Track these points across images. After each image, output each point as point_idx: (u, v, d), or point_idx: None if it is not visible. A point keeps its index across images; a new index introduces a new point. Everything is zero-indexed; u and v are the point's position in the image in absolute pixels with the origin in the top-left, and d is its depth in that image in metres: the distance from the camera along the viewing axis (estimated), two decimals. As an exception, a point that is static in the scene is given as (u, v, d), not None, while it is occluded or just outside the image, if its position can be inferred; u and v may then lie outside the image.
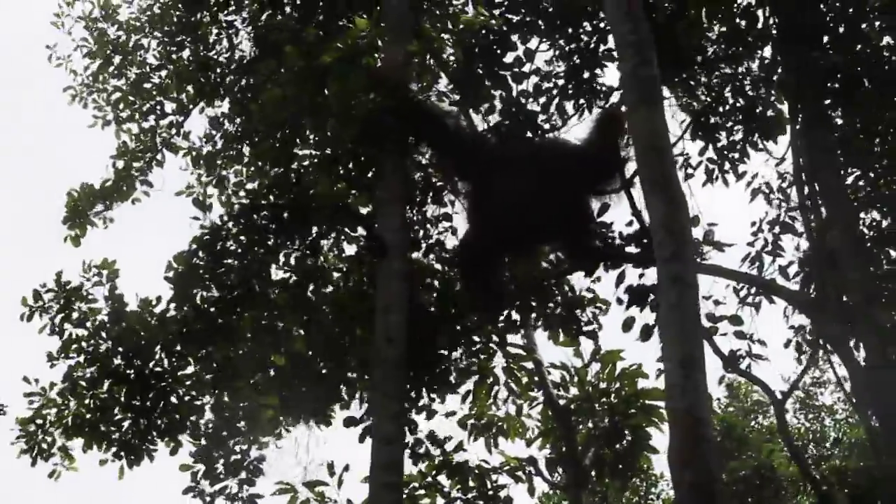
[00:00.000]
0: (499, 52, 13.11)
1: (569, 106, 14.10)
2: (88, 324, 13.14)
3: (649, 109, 7.44)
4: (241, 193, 14.30)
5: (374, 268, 10.82)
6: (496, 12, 13.38)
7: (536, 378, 13.85)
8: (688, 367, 6.82)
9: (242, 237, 12.28)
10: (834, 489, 14.35)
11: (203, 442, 13.47)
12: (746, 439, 23.60)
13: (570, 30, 13.90)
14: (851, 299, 12.30)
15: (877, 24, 13.73)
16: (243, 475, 13.65)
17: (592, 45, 14.01)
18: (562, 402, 13.97)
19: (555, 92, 13.91)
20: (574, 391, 13.89)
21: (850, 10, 13.52)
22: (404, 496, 12.51)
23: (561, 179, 9.80)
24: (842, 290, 12.66)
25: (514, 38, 13.46)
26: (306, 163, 12.51)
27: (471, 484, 13.16)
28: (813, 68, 13.09)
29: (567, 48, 13.95)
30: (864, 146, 13.62)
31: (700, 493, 6.55)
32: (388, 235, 10.51)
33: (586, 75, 13.93)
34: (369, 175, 11.64)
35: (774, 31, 13.66)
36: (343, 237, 12.48)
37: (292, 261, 12.37)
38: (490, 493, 13.17)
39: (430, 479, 13.09)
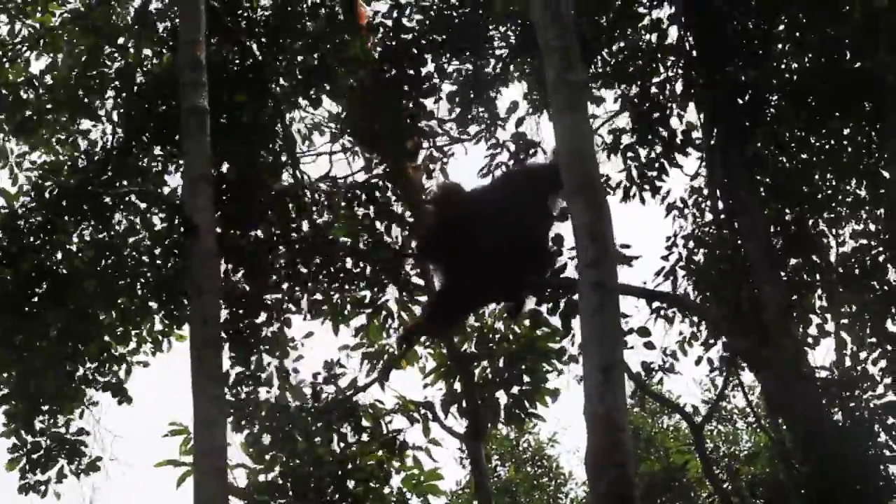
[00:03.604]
0: (411, 72, 13.23)
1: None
2: None
3: (574, 115, 7.45)
4: (26, 165, 14.21)
5: (184, 247, 10.75)
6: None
7: None
8: (608, 372, 6.82)
9: (38, 216, 12.19)
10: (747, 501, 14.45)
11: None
12: (654, 440, 23.83)
13: (468, 53, 14.07)
14: (765, 313, 12.41)
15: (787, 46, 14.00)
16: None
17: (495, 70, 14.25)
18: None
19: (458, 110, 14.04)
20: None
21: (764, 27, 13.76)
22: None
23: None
24: (756, 305, 12.79)
25: (427, 56, 13.59)
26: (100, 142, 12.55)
27: (364, 424, 13.12)
28: (727, 83, 13.25)
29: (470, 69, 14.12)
30: (777, 162, 13.85)
31: (616, 499, 6.55)
32: (196, 215, 10.41)
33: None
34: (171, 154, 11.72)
35: (689, 47, 13.78)
36: (141, 215, 12.48)
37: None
38: (386, 435, 13.17)
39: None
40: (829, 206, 14.61)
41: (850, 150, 14.13)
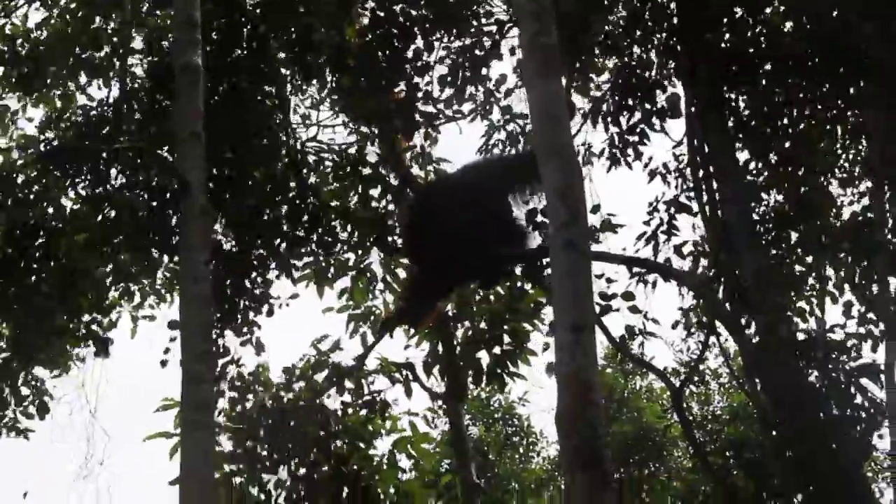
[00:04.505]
0: (400, 46, 13.21)
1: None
2: None
3: (547, 78, 7.52)
4: (21, 122, 14.24)
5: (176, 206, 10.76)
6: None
7: None
8: (578, 332, 6.90)
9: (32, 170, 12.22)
10: (728, 465, 14.55)
11: None
12: (626, 401, 23.96)
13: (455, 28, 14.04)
14: (745, 279, 12.46)
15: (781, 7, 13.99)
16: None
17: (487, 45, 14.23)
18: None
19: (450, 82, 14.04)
20: None
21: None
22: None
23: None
24: (735, 271, 12.84)
25: (415, 29, 13.57)
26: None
27: (347, 385, 13.20)
28: (708, 50, 13.27)
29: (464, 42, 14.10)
30: (759, 128, 13.84)
31: (587, 458, 6.63)
32: (188, 174, 10.43)
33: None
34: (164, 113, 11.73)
35: (673, 13, 13.80)
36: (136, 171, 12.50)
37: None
38: (368, 396, 13.25)
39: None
40: (838, 166, 14.66)
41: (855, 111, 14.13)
